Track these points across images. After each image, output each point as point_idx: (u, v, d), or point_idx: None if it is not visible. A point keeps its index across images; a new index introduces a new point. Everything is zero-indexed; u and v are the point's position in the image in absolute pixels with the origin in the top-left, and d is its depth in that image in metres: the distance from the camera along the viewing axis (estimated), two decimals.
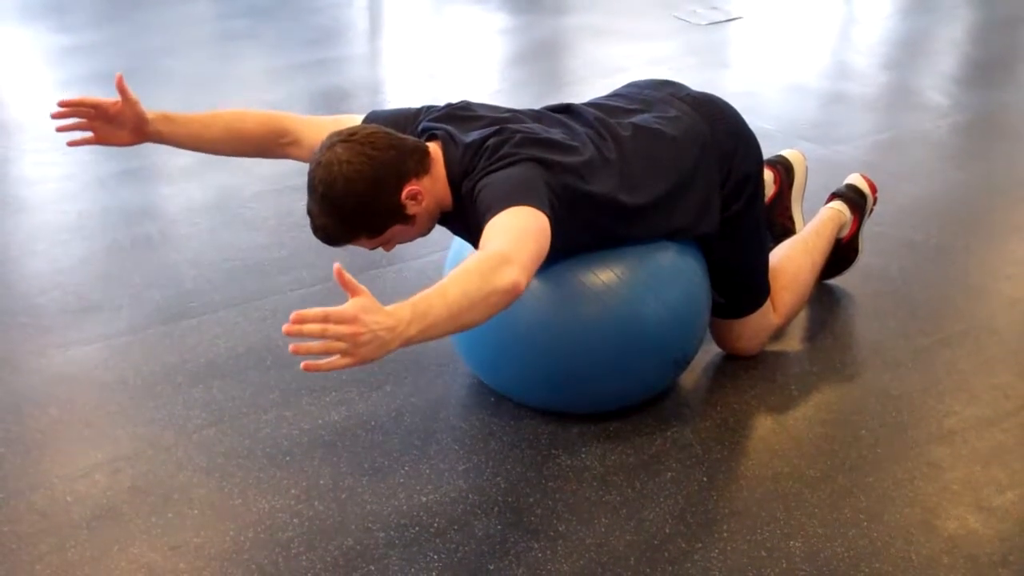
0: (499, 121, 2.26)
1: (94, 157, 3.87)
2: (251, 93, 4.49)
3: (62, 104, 2.32)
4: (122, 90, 2.31)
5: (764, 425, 2.45)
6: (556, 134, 2.24)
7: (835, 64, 4.78)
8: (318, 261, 3.10)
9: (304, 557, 2.10)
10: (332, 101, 4.39)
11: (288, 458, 2.37)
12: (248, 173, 3.70)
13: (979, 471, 2.29)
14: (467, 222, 2.22)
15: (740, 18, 5.14)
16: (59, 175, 3.74)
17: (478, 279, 1.86)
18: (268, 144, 2.43)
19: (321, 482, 2.30)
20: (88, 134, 2.37)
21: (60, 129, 2.35)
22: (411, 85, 4.66)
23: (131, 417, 2.52)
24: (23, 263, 3.23)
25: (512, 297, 1.90)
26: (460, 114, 2.31)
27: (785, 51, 4.87)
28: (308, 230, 2.21)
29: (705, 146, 2.37)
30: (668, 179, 2.30)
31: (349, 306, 1.71)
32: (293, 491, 2.28)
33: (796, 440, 2.39)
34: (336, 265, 1.72)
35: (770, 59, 4.78)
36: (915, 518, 2.17)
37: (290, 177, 3.62)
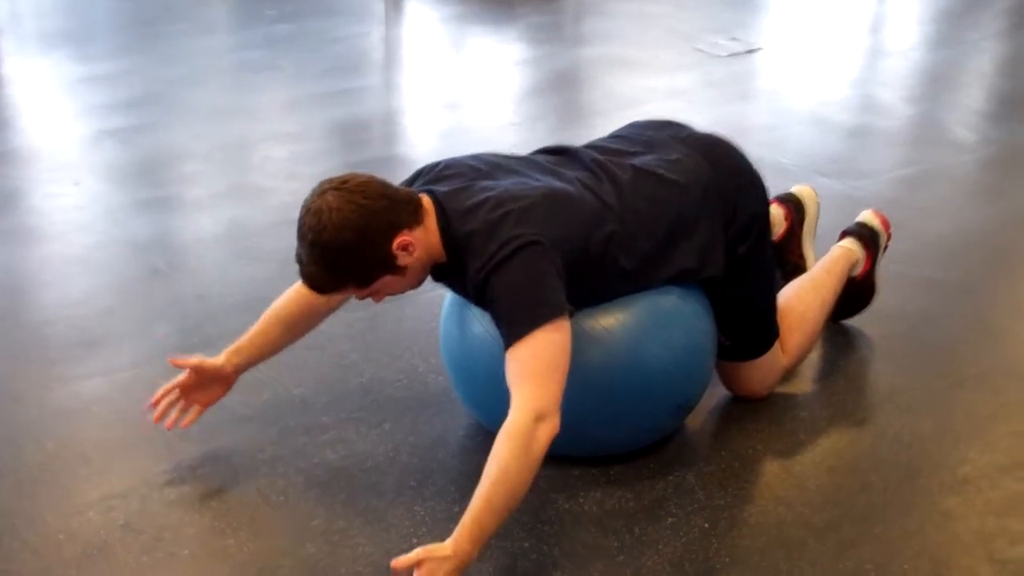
0: (483, 176, 2.23)
1: (108, 188, 3.88)
2: (270, 125, 4.47)
3: (154, 406, 2.41)
4: (181, 365, 2.41)
5: (770, 471, 2.39)
6: (548, 186, 2.20)
7: (858, 97, 4.71)
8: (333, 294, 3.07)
9: None
10: (350, 132, 4.38)
11: (282, 498, 2.33)
12: (258, 206, 3.69)
13: (992, 521, 2.22)
14: (465, 286, 2.20)
15: (761, 49, 5.08)
16: (70, 206, 3.73)
17: (517, 468, 1.97)
18: (320, 308, 2.47)
19: (314, 523, 2.26)
20: (192, 411, 2.45)
21: (169, 426, 2.43)
22: (428, 117, 4.63)
23: (128, 453, 2.49)
24: (32, 294, 3.22)
25: (551, 441, 2.01)
26: (445, 174, 2.28)
27: (807, 83, 4.81)
28: None
29: (708, 188, 2.32)
30: (669, 223, 2.26)
31: None
32: (286, 532, 2.24)
33: (802, 487, 2.33)
34: (393, 562, 1.91)
35: (791, 92, 4.72)
36: (923, 570, 2.10)
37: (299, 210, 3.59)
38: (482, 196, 2.17)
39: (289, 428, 2.55)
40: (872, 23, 5.92)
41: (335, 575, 2.12)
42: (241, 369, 2.48)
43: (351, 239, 2.08)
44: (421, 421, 2.56)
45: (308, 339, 2.87)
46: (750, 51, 5.08)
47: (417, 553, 1.91)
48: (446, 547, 1.92)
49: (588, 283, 2.19)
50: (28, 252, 3.46)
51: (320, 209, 2.08)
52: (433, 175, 2.29)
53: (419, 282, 2.26)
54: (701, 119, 4.26)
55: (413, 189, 2.24)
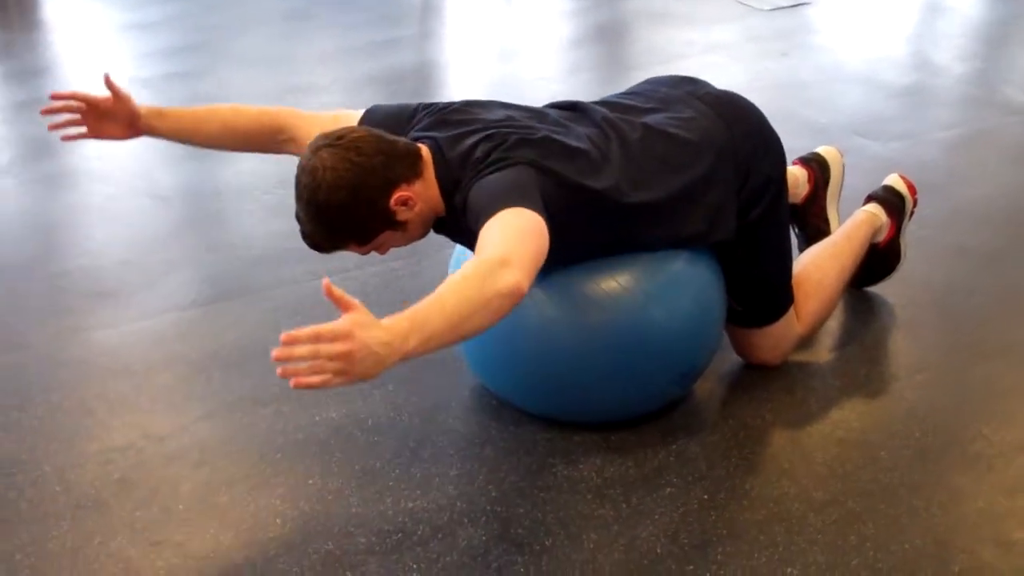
0: (492, 125, 2.15)
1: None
2: (305, 75, 4.43)
3: (54, 97, 2.30)
4: (111, 87, 2.30)
5: (776, 442, 2.32)
6: (553, 134, 2.13)
7: (907, 55, 4.55)
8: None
9: (282, 560, 2.05)
10: (392, 81, 4.33)
11: (280, 455, 2.32)
12: (283, 160, 3.65)
13: (1002, 501, 2.14)
14: (461, 230, 2.13)
15: (808, 3, 4.93)
16: (93, 155, 3.73)
17: (477, 284, 1.76)
18: (264, 140, 2.38)
19: (310, 482, 2.24)
20: (82, 129, 2.35)
21: (52, 127, 2.33)
22: (471, 67, 4.57)
23: (130, 406, 2.49)
24: (49, 244, 3.23)
25: (515, 299, 1.80)
26: (452, 118, 2.20)
27: (854, 40, 4.66)
28: None
29: (721, 149, 2.24)
30: (677, 183, 2.19)
31: (342, 322, 1.63)
32: (280, 490, 2.22)
33: (808, 459, 2.26)
34: (325, 280, 1.64)
35: (836, 48, 4.57)
36: (926, 550, 2.03)
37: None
38: (479, 136, 2.11)
39: None
40: None
41: (327, 535, 2.10)
42: (150, 132, 2.38)
43: (346, 198, 2.03)
44: (426, 382, 2.52)
45: (321, 295, 2.86)
46: (796, 5, 4.94)
47: (354, 300, 1.67)
48: (381, 320, 1.69)
49: (588, 237, 2.14)
50: (49, 201, 3.47)
51: (315, 168, 2.04)
52: (441, 115, 2.22)
53: (423, 234, 2.21)
54: (738, 75, 4.20)
55: (413, 137, 2.19)
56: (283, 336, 1.60)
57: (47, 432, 2.41)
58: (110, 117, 2.34)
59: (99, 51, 4.81)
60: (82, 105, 2.32)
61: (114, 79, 2.31)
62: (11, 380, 2.59)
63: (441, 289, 1.75)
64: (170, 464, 2.31)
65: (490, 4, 5.38)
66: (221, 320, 2.77)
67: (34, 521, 2.16)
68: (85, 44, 4.89)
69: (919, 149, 3.63)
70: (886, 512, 2.11)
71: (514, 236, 1.88)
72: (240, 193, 3.43)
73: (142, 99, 4.14)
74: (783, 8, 4.89)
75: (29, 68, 4.65)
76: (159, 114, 2.36)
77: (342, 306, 1.65)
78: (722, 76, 4.16)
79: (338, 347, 1.60)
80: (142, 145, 3.77)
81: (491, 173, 2.03)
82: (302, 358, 1.60)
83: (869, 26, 4.79)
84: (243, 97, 4.18)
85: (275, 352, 1.60)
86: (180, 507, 2.19)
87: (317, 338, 1.60)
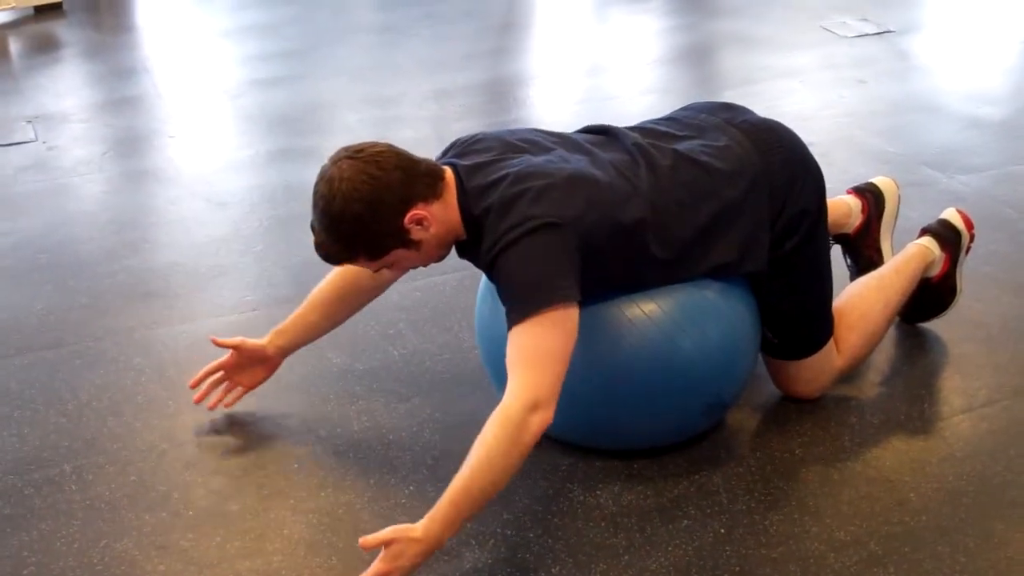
0: (513, 150, 2.13)
1: (201, 143, 3.91)
2: (395, 86, 4.40)
3: (194, 385, 2.42)
4: (222, 345, 2.40)
5: (803, 478, 2.23)
6: (579, 168, 2.09)
7: (993, 88, 4.36)
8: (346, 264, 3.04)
9: (284, 572, 2.03)
10: (485, 93, 4.33)
11: (297, 466, 2.30)
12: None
13: None
14: (483, 265, 2.11)
15: (892, 32, 4.78)
16: (161, 158, 3.79)
17: (502, 456, 1.90)
18: (363, 290, 2.41)
19: (322, 494, 2.22)
20: (238, 391, 2.45)
21: (211, 407, 2.44)
22: (547, 83, 4.52)
23: (156, 409, 2.50)
24: (103, 242, 3.26)
25: (540, 436, 1.94)
26: (475, 148, 2.18)
27: (938, 70, 4.50)
28: None
29: (755, 178, 2.17)
30: (706, 212, 2.13)
31: (380, 566, 1.86)
32: (291, 501, 2.20)
33: (834, 497, 2.17)
34: (361, 540, 1.87)
35: (917, 78, 4.42)
36: None
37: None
38: (503, 172, 2.07)
39: (320, 395, 2.52)
40: None
41: (332, 549, 2.08)
42: (285, 351, 2.45)
43: (360, 211, 2.01)
44: (452, 399, 2.49)
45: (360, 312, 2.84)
46: (880, 33, 4.80)
47: (386, 533, 1.86)
48: (416, 528, 1.87)
49: (613, 268, 2.09)
50: (110, 201, 3.52)
51: (332, 177, 2.02)
52: (463, 148, 2.20)
53: (439, 257, 2.18)
54: (810, 100, 4.11)
55: (438, 161, 2.16)
56: None
57: (71, 430, 2.43)
58: (247, 366, 2.42)
59: (189, 55, 4.87)
60: (220, 374, 2.41)
61: (219, 338, 2.41)
62: (43, 376, 2.61)
63: (467, 471, 1.91)
64: (187, 469, 2.30)
65: (580, 22, 5.34)
66: (260, 328, 2.72)
67: (45, 519, 2.17)
68: (175, 48, 4.97)
69: (986, 183, 3.47)
70: (909, 556, 2.01)
71: (542, 362, 1.95)
72: (294, 203, 3.43)
73: (222, 105, 4.21)
74: (868, 36, 4.75)
75: (114, 70, 4.71)
76: (279, 334, 2.44)
77: (383, 545, 1.87)
78: (793, 102, 4.07)
79: None
80: (207, 149, 3.84)
81: (517, 240, 1.99)
82: None
83: (959, 57, 4.61)
84: (325, 104, 4.24)
85: None
86: (190, 513, 2.18)
87: None
